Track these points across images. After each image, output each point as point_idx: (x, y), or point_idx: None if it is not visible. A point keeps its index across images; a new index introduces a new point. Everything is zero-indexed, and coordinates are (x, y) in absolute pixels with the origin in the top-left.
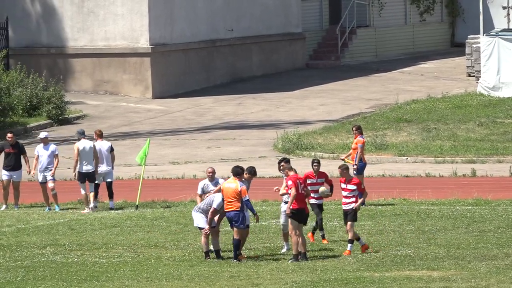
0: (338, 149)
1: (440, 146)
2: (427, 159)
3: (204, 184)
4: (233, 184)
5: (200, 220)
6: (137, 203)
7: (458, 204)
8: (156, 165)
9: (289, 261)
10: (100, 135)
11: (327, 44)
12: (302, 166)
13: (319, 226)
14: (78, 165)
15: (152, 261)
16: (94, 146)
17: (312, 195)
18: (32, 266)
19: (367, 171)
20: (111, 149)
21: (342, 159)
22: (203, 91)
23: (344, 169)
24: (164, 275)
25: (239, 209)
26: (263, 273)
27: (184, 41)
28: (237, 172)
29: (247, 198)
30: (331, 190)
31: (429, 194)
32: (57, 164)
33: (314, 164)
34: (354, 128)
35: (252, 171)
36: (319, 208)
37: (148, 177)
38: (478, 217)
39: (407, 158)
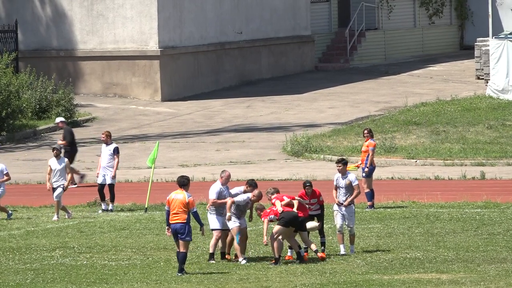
0: (347, 151)
1: (449, 149)
2: (436, 161)
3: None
4: (180, 195)
5: (213, 222)
6: (146, 206)
7: (467, 207)
8: (165, 167)
9: (271, 265)
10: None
11: (336, 47)
12: (310, 169)
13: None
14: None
15: (161, 263)
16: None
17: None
18: (41, 269)
19: (376, 174)
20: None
21: (356, 166)
22: (212, 93)
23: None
24: (173, 277)
25: (185, 221)
26: (272, 275)
27: (193, 43)
28: (183, 182)
29: (194, 210)
30: (322, 209)
31: (438, 197)
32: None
33: (307, 186)
34: (365, 131)
35: (253, 184)
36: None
37: (157, 179)
38: (487, 220)
39: (416, 161)
